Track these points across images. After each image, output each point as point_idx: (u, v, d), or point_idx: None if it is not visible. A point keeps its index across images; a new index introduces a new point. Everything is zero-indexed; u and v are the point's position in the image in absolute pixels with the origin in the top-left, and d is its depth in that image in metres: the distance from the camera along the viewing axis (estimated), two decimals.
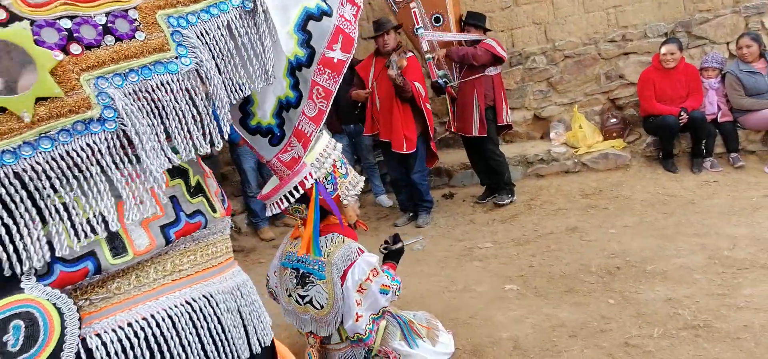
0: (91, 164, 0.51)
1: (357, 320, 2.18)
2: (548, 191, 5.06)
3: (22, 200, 0.49)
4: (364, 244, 2.34)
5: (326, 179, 2.20)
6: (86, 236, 0.54)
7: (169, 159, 0.56)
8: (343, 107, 5.23)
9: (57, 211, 0.53)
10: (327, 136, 2.29)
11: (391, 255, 2.47)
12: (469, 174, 5.61)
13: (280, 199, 2.13)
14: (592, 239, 3.71)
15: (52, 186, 0.49)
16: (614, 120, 5.63)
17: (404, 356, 2.32)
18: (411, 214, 4.96)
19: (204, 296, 0.63)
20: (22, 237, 0.51)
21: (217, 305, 0.64)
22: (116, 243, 0.56)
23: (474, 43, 4.77)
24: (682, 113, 4.80)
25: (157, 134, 0.56)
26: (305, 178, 2.10)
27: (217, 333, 0.63)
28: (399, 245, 2.47)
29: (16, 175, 0.46)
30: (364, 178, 2.43)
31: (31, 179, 0.47)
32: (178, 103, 0.57)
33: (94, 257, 0.54)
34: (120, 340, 0.55)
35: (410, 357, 2.33)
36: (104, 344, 0.54)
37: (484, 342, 2.50)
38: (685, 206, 4.12)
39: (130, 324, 0.56)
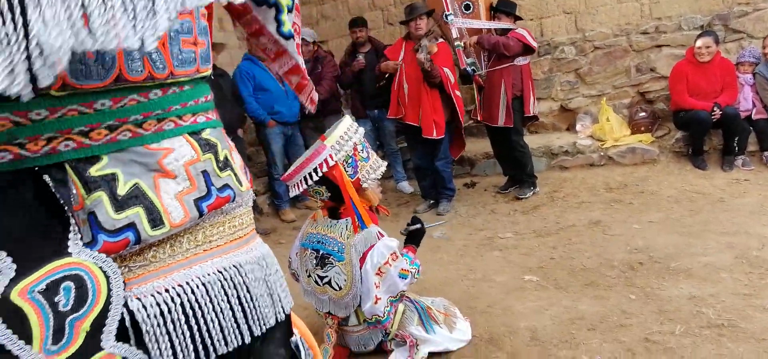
0: None
1: (376, 302, 2.21)
2: (572, 183, 5.00)
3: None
4: (384, 229, 2.36)
5: (346, 162, 2.22)
6: (127, 208, 0.56)
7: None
8: (368, 90, 5.23)
9: (101, 182, 0.55)
10: (349, 119, 2.31)
11: (412, 238, 2.48)
12: (491, 164, 5.57)
13: (301, 179, 2.17)
14: (615, 234, 3.66)
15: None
16: (643, 114, 5.51)
17: (421, 341, 2.35)
18: (432, 201, 4.96)
19: (233, 265, 0.66)
20: (71, 207, 0.54)
21: (246, 274, 0.66)
22: (154, 215, 0.58)
23: (504, 32, 4.70)
24: (715, 109, 4.67)
25: None
26: (325, 159, 2.13)
27: (247, 300, 0.66)
28: (417, 225, 2.48)
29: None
30: (385, 163, 2.45)
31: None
32: None
33: (134, 229, 0.56)
34: (158, 304, 0.58)
35: (427, 342, 2.35)
36: (144, 307, 0.57)
37: (502, 331, 2.51)
38: (714, 204, 4.02)
39: (167, 290, 0.59)
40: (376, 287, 2.22)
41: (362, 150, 2.29)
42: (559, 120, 6.11)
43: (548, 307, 2.70)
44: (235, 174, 0.70)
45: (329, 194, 2.26)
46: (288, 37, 0.81)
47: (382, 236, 2.29)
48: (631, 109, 5.69)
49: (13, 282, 0.50)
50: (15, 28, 0.42)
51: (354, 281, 2.24)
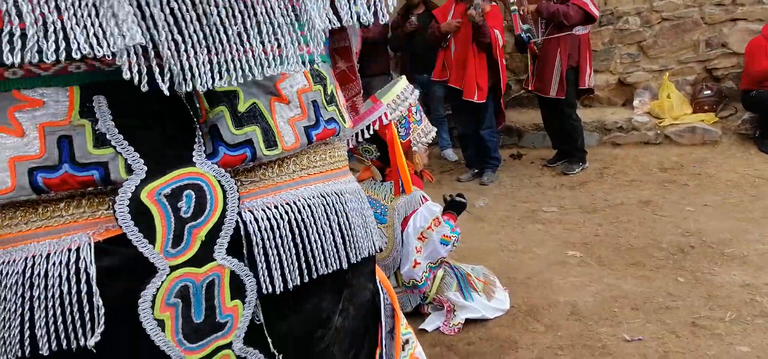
0: (257, 2, 0.54)
1: (414, 266, 2.24)
2: (624, 161, 4.82)
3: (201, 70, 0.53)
4: (426, 194, 2.37)
5: (399, 123, 2.22)
6: (246, 124, 0.59)
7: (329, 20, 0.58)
8: (418, 54, 5.17)
9: (223, 97, 0.58)
10: (405, 80, 2.30)
11: (453, 206, 2.48)
12: (540, 136, 5.43)
13: (352, 135, 2.18)
14: (665, 215, 3.52)
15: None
16: (708, 92, 5.19)
17: (459, 307, 2.38)
18: (476, 170, 4.91)
19: (335, 192, 0.68)
20: (198, 119, 0.57)
21: (346, 203, 0.69)
22: (269, 136, 0.60)
23: None
24: None
25: None
26: (380, 118, 2.14)
27: (346, 227, 0.68)
28: (461, 198, 2.49)
29: None
30: (435, 128, 2.44)
31: (200, 1, 0.51)
32: None
33: (251, 146, 0.59)
34: (268, 218, 0.61)
35: (464, 309, 2.38)
36: (256, 220, 0.60)
37: (541, 303, 2.50)
38: None
39: (276, 207, 0.61)
40: (417, 251, 2.25)
41: (416, 112, 2.29)
42: (615, 94, 5.85)
43: (590, 283, 2.66)
44: (340, 110, 0.72)
45: (378, 153, 2.28)
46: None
47: (426, 200, 2.30)
48: (695, 86, 5.37)
49: (144, 182, 0.54)
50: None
51: (395, 244, 2.27)
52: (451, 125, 5.67)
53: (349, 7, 0.60)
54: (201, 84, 0.52)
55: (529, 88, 4.89)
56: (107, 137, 0.53)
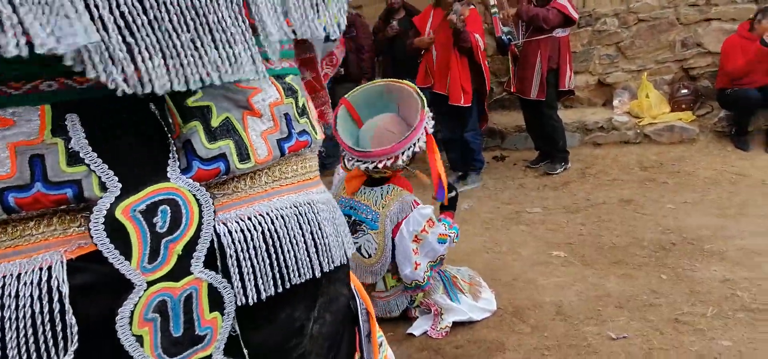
0: (209, 12, 0.54)
1: (416, 268, 2.23)
2: (604, 160, 4.88)
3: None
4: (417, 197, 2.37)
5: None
6: (219, 139, 0.59)
7: (285, 33, 0.58)
8: (400, 58, 5.18)
9: (197, 112, 0.59)
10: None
11: (449, 205, 2.49)
12: (523, 137, 5.48)
13: (413, 145, 2.14)
14: (646, 213, 3.58)
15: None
16: (685, 91, 5.30)
17: (445, 309, 2.37)
18: (460, 173, 4.93)
19: (307, 202, 0.69)
20: (172, 134, 0.57)
21: (318, 212, 0.69)
22: (242, 150, 0.61)
23: (546, 2, 4.54)
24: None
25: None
26: (426, 128, 2.16)
27: (318, 236, 0.68)
28: (453, 193, 2.49)
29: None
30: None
31: (151, 6, 0.51)
32: None
33: (224, 159, 0.59)
34: (241, 231, 0.61)
35: (451, 311, 2.37)
36: (229, 232, 0.60)
37: (527, 304, 2.51)
38: (754, 187, 3.87)
39: (249, 218, 0.62)
40: (415, 253, 2.24)
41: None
42: (595, 95, 5.93)
43: (574, 283, 2.68)
44: (311, 122, 0.73)
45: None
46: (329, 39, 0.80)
47: (417, 204, 2.30)
48: (672, 85, 5.47)
49: (118, 199, 0.53)
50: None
51: (385, 250, 2.26)
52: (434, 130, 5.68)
53: (305, 21, 0.61)
54: (158, 88, 0.52)
55: (511, 90, 4.93)
56: (80, 155, 0.52)
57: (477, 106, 4.67)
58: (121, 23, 0.49)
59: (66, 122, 0.52)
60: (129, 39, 0.50)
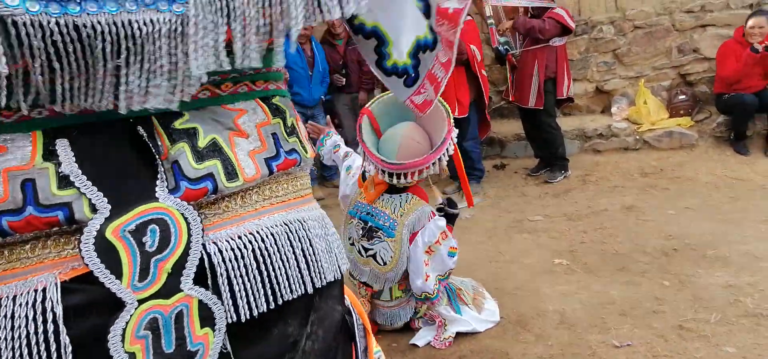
0: (148, 42, 0.53)
1: (426, 280, 2.23)
2: (605, 167, 4.89)
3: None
4: None
5: None
6: (207, 159, 0.61)
7: (218, 63, 0.57)
8: None
9: (184, 134, 0.60)
10: None
11: (448, 218, 2.49)
12: (522, 145, 5.49)
13: (443, 155, 2.18)
14: (648, 220, 3.58)
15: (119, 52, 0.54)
16: (683, 97, 5.32)
17: (449, 321, 2.37)
18: (459, 184, 4.93)
19: (298, 219, 0.69)
20: (160, 156, 0.59)
21: (309, 229, 0.70)
22: (229, 169, 0.62)
23: (541, 11, 4.57)
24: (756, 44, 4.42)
25: (216, 32, 0.56)
26: (452, 138, 2.20)
27: (309, 253, 0.69)
28: (455, 211, 2.49)
29: (77, 27, 0.50)
30: None
31: (88, 35, 0.51)
32: (248, 6, 0.57)
33: (212, 179, 0.60)
34: (232, 249, 0.62)
35: (455, 322, 2.37)
36: (220, 251, 0.61)
37: (530, 313, 2.50)
38: (755, 191, 3.88)
39: (239, 237, 0.63)
40: (426, 265, 2.24)
41: None
42: (593, 102, 5.95)
43: (578, 291, 2.68)
44: (301, 141, 0.74)
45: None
46: (388, 72, 0.80)
47: (434, 215, 2.31)
48: (670, 92, 5.49)
49: (108, 220, 0.55)
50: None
51: (400, 259, 2.26)
52: None
53: (243, 54, 0.59)
54: (82, 103, 0.54)
55: (510, 99, 4.95)
56: (71, 178, 0.54)
57: (477, 114, 4.69)
58: (52, 50, 0.50)
59: (56, 147, 0.54)
60: (55, 64, 0.51)
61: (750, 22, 4.60)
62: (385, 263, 2.28)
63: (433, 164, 2.15)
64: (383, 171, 2.19)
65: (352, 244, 2.36)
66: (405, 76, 0.81)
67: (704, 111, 5.27)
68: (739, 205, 3.63)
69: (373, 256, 2.30)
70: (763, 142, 4.73)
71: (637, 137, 5.19)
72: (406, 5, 0.77)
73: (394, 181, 2.21)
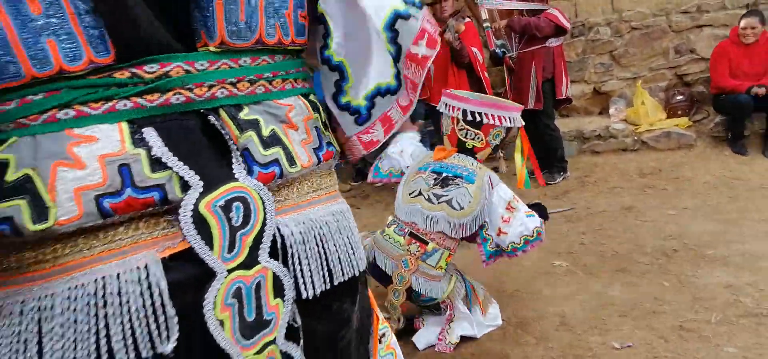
0: None
1: (498, 234, 2.24)
2: (603, 168, 4.90)
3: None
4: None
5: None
6: (272, 147, 0.68)
7: None
8: None
9: (249, 124, 0.67)
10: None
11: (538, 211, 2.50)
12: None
13: (493, 114, 2.33)
14: (647, 220, 3.58)
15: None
16: (680, 97, 5.34)
17: (458, 318, 2.36)
18: None
19: (340, 211, 0.78)
20: (233, 142, 0.65)
21: (349, 220, 0.80)
22: (289, 156, 0.70)
23: (536, 13, 4.59)
24: (754, 89, 4.46)
25: None
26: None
27: (354, 241, 0.78)
28: (546, 216, 2.55)
29: None
30: None
31: None
32: None
33: (278, 164, 0.68)
34: (299, 232, 0.70)
35: (460, 324, 2.36)
36: (291, 233, 0.69)
37: (530, 315, 2.50)
38: (754, 191, 3.88)
39: (303, 222, 0.71)
40: (504, 221, 2.24)
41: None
42: (591, 104, 5.97)
43: (578, 293, 2.68)
44: (331, 137, 0.82)
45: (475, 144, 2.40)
46: (341, 107, 0.86)
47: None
48: (667, 92, 5.51)
49: (201, 196, 0.61)
50: None
51: (480, 204, 2.24)
52: (433, 141, 5.70)
53: None
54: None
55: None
56: (163, 160, 0.59)
57: None
58: None
59: (143, 135, 0.59)
60: None
61: (743, 23, 4.62)
62: (461, 208, 2.25)
63: (501, 126, 2.33)
64: (463, 114, 2.32)
65: (418, 194, 2.31)
66: (356, 115, 0.87)
67: (702, 111, 5.28)
68: (737, 205, 3.64)
69: (448, 202, 2.25)
70: (760, 141, 4.74)
71: (635, 138, 5.20)
72: (375, 55, 0.84)
73: (468, 138, 2.34)
